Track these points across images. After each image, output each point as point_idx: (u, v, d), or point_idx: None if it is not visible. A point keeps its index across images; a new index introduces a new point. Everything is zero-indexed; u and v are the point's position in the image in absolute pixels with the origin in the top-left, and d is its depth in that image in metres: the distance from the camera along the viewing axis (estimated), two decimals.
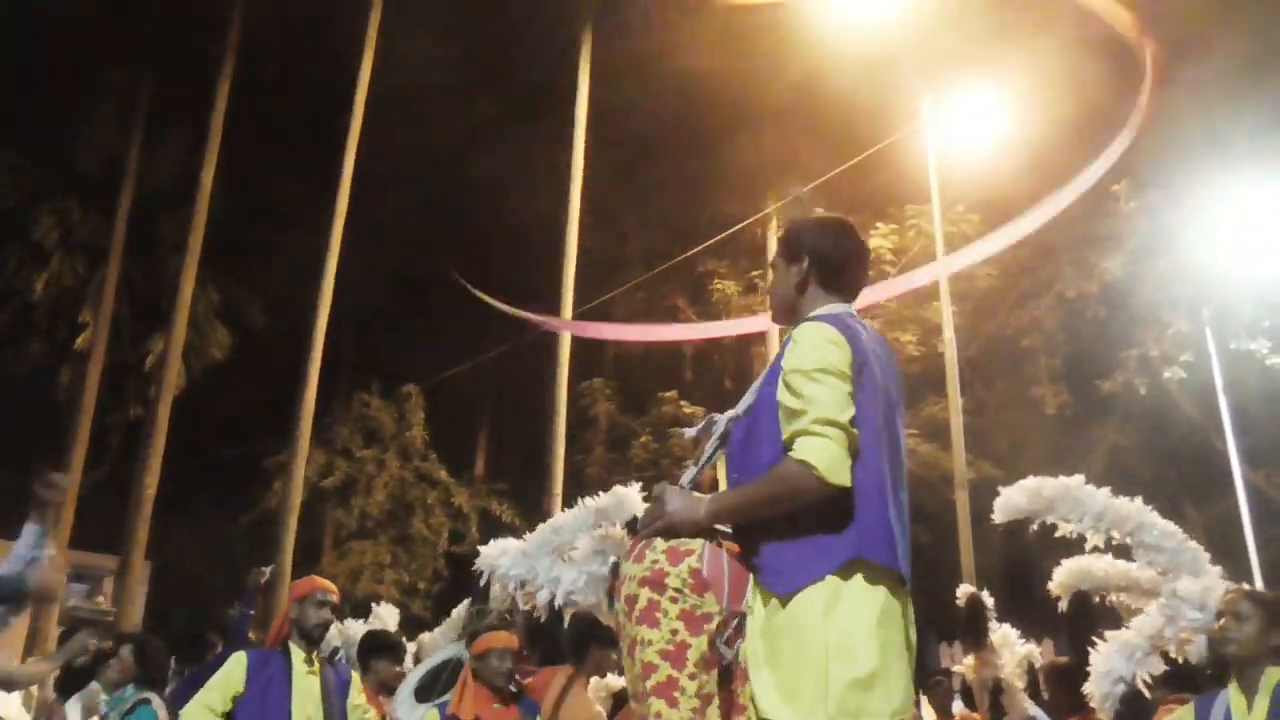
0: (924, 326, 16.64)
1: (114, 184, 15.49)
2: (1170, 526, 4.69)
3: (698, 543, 2.10)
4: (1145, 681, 4.56)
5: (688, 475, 2.26)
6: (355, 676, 4.24)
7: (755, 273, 17.57)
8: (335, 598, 4.07)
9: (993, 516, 5.16)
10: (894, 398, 2.21)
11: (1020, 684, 6.03)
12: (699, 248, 15.62)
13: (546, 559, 5.72)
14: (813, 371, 2.05)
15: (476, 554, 6.03)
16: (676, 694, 2.00)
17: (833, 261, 2.29)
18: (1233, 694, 3.16)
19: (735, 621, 2.06)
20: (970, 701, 6.67)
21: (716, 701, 2.04)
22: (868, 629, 1.95)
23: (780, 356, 2.17)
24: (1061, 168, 14.86)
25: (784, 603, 1.99)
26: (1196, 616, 4.39)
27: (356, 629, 6.54)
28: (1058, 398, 16.82)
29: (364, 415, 17.96)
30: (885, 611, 1.98)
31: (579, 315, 15.17)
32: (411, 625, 11.83)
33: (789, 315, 2.33)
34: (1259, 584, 11.51)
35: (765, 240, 16.84)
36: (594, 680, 5.41)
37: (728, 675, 2.06)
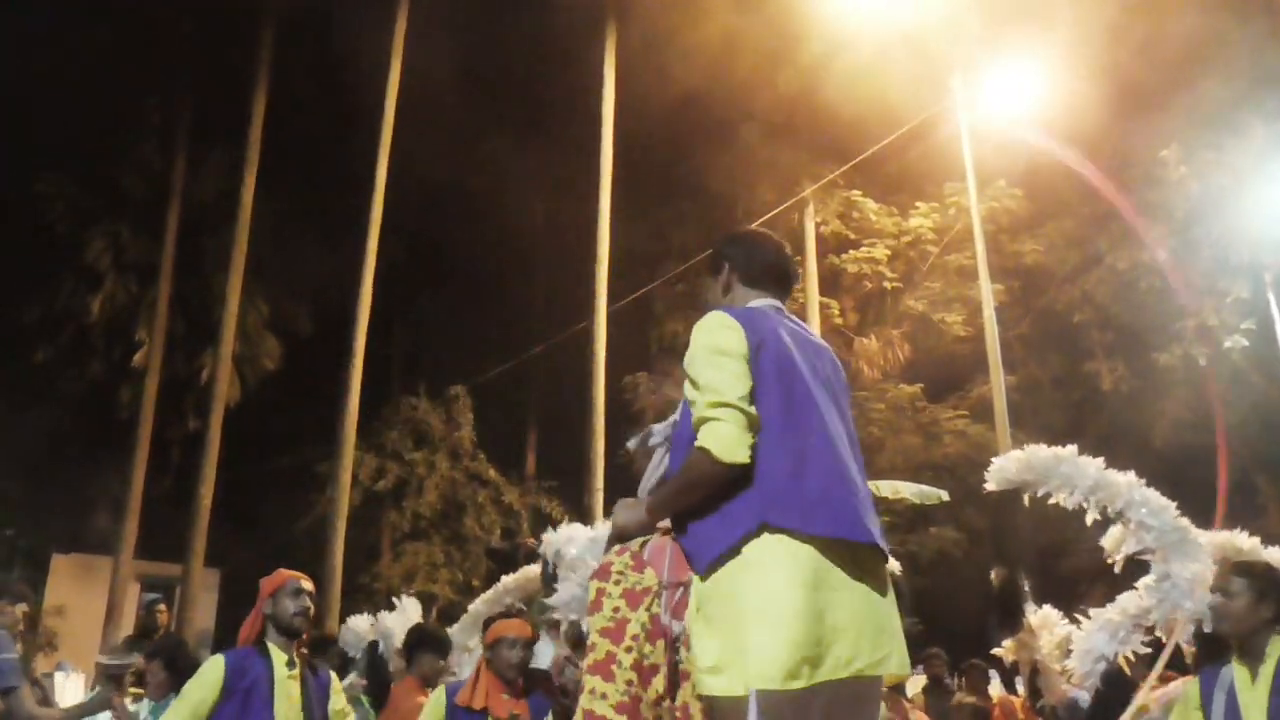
0: (969, 306, 16.31)
1: (161, 204, 15.95)
2: (1162, 503, 4.55)
3: (644, 537, 2.24)
4: (1127, 659, 4.47)
5: (642, 486, 2.38)
6: (334, 678, 4.02)
7: (795, 259, 17.34)
8: (310, 585, 3.85)
9: (985, 485, 5.06)
10: (820, 373, 2.26)
11: (1058, 666, 5.90)
12: None
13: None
14: (705, 355, 2.16)
15: (514, 549, 6.03)
16: (613, 668, 2.08)
17: (751, 263, 2.43)
18: (1236, 666, 3.19)
19: (679, 591, 2.12)
20: (1011, 685, 6.55)
21: (663, 671, 2.09)
22: (781, 592, 1.97)
23: None
24: (1100, 136, 14.45)
25: (705, 577, 2.07)
26: (1186, 605, 4.26)
27: (391, 620, 6.62)
28: (1114, 373, 16.37)
29: (413, 418, 18.22)
30: (803, 574, 1.98)
31: (619, 310, 15.20)
32: None
33: None
34: None
35: (802, 225, 16.66)
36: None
37: (674, 646, 2.12)
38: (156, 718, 5.31)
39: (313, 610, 3.87)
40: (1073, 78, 13.37)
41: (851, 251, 17.06)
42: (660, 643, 2.10)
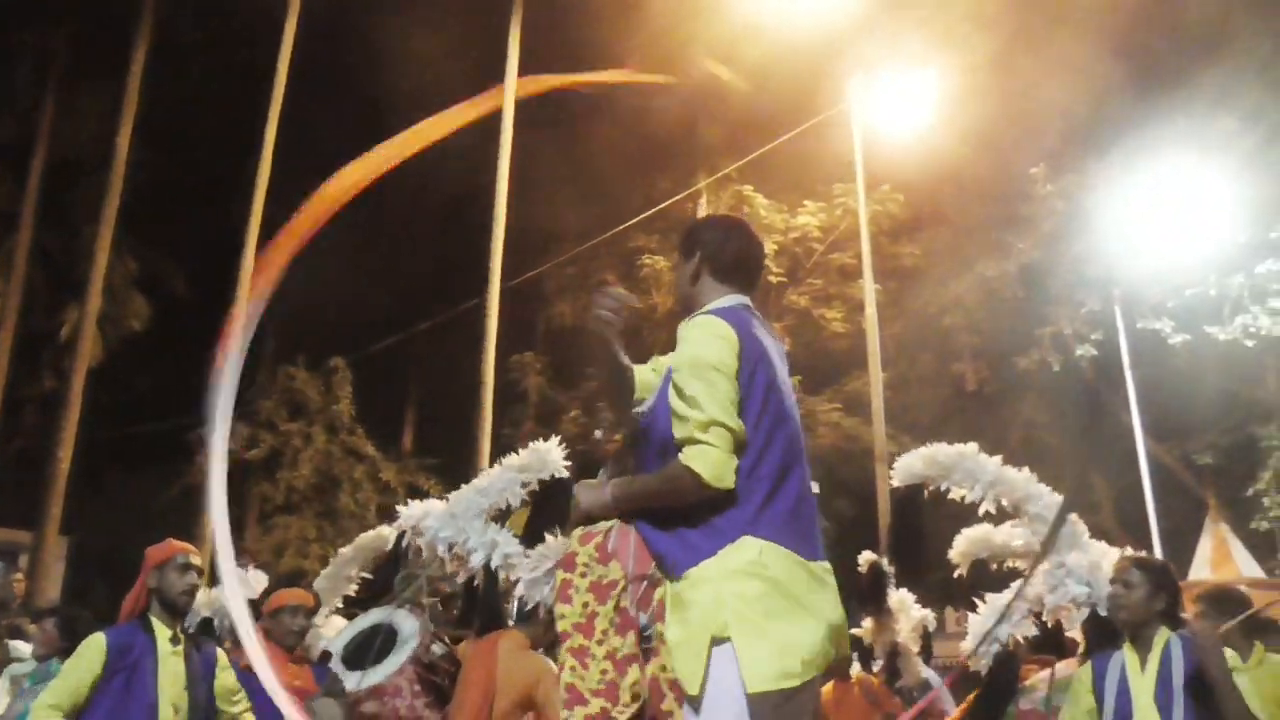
0: (849, 304, 16.97)
1: (27, 147, 14.94)
2: (1056, 498, 4.77)
3: (608, 524, 2.24)
4: (1017, 642, 4.79)
5: (603, 473, 2.42)
6: (221, 655, 3.87)
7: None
8: (198, 559, 3.74)
9: (891, 480, 5.28)
10: (786, 382, 2.31)
11: (915, 647, 6.27)
12: (630, 223, 15.69)
13: (478, 521, 5.70)
14: (699, 369, 2.14)
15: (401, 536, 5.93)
16: (588, 660, 2.15)
17: (723, 254, 2.38)
18: (1127, 653, 3.41)
19: (643, 584, 2.16)
20: (867, 664, 6.90)
21: (638, 663, 2.13)
22: (753, 601, 2.03)
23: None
24: (989, 147, 15.25)
25: (678, 582, 2.10)
26: (1081, 590, 4.57)
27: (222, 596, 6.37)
28: (978, 374, 17.35)
29: (289, 388, 17.68)
30: (774, 585, 2.06)
31: (508, 290, 15.15)
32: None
33: (687, 307, 2.42)
34: (1158, 550, 12.05)
35: (695, 216, 16.97)
36: None
37: (644, 637, 2.16)
38: (35, 682, 5.09)
39: (198, 588, 3.74)
40: (962, 91, 14.05)
41: None
42: (631, 635, 2.15)
